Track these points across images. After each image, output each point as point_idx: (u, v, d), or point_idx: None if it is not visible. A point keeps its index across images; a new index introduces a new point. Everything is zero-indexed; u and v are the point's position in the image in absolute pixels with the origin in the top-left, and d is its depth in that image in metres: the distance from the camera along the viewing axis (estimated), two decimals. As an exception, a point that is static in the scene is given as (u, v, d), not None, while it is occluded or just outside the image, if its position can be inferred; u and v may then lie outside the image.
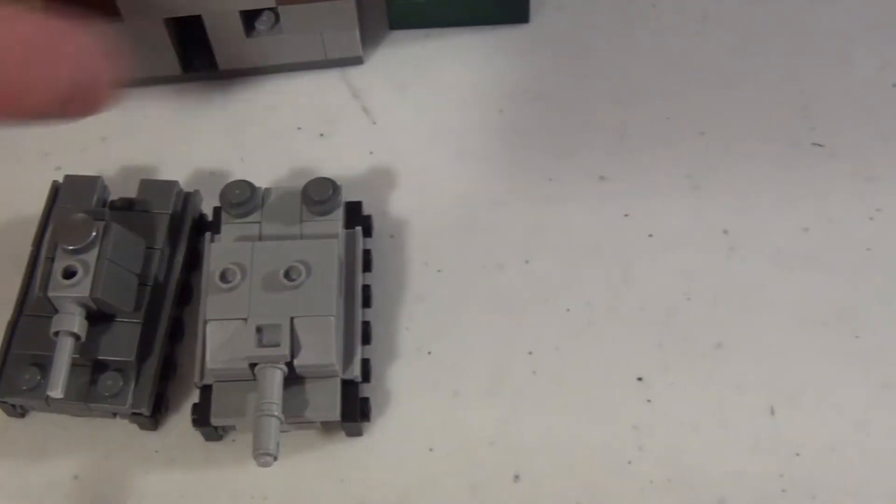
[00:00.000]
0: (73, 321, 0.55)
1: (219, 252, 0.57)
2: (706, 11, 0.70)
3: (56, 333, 0.55)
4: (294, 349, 0.55)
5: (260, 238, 0.59)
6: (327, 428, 0.58)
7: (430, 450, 0.57)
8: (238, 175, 0.65)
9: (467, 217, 0.64)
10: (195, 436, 0.58)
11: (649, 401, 0.58)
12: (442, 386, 0.59)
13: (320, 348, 0.55)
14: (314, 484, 0.57)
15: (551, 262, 0.62)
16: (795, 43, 0.69)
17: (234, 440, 0.58)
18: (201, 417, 0.56)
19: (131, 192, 0.63)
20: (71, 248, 0.56)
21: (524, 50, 0.69)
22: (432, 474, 0.57)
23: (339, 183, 0.60)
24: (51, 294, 0.55)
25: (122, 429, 0.58)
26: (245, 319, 0.55)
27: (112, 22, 0.64)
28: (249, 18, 0.66)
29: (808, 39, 0.69)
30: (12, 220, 0.64)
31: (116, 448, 0.58)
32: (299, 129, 0.67)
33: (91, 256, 0.56)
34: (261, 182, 0.61)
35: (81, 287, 0.55)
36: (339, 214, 0.60)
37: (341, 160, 0.66)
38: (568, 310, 0.61)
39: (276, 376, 0.55)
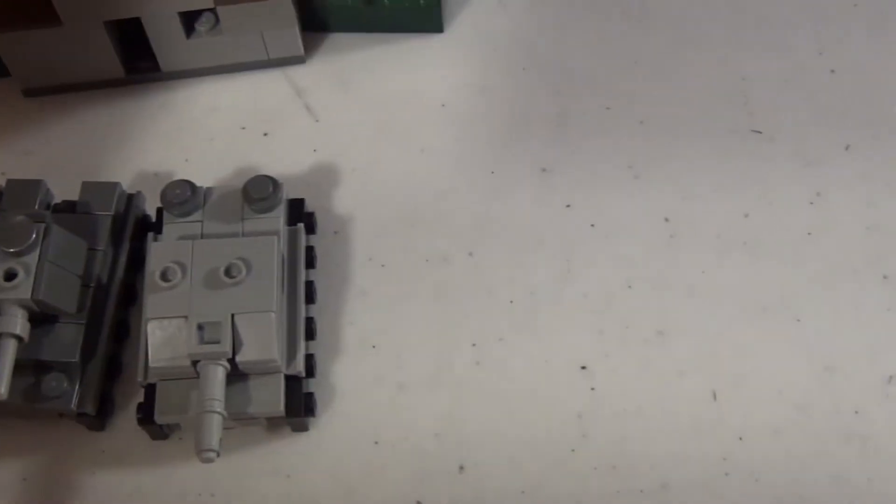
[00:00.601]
0: (14, 323, 0.55)
1: (159, 251, 0.58)
2: (644, 0, 0.70)
3: (-1, 336, 0.55)
4: (235, 346, 0.55)
5: (202, 237, 0.59)
6: (273, 424, 0.58)
7: (376, 443, 0.58)
8: (183, 176, 0.65)
9: (411, 211, 0.64)
10: (142, 435, 0.58)
11: (593, 389, 0.59)
12: (386, 379, 0.59)
13: (261, 344, 0.55)
14: (261, 480, 0.57)
15: (495, 253, 0.62)
16: (734, 30, 0.69)
17: (180, 438, 0.58)
18: (146, 416, 0.56)
19: (75, 195, 0.63)
20: (11, 250, 0.56)
21: (465, 45, 0.69)
22: (378, 467, 0.57)
23: (280, 180, 0.60)
24: (-9, 297, 0.56)
25: (69, 430, 0.59)
26: (186, 317, 0.56)
27: (52, 27, 0.64)
28: (189, 20, 0.66)
29: (746, 26, 0.69)
30: (-43, 226, 0.64)
31: (64, 449, 0.58)
32: (243, 128, 0.67)
33: (32, 258, 0.56)
34: (206, 182, 0.62)
35: (22, 289, 0.55)
36: (281, 211, 0.60)
37: (285, 158, 0.66)
38: (511, 301, 0.61)
39: (217, 373, 0.55)
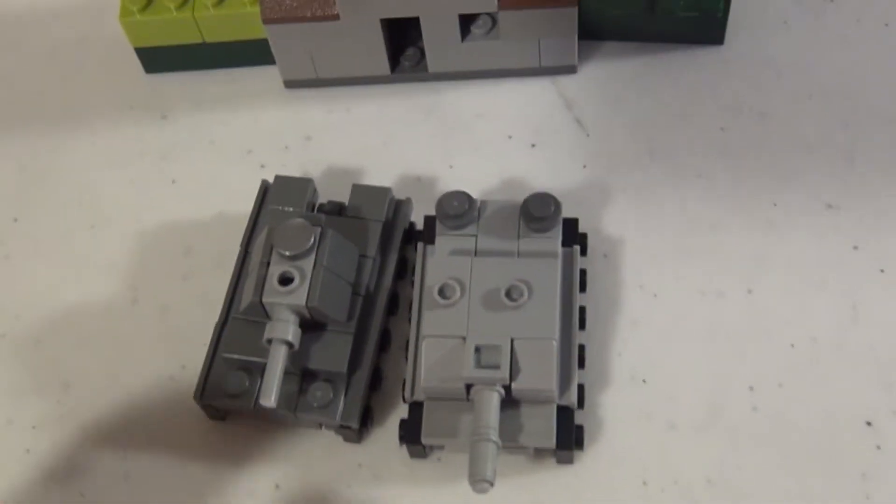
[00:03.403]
0: (287, 329, 0.54)
1: (437, 265, 0.56)
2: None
3: (269, 340, 0.54)
4: (513, 372, 0.53)
5: (475, 252, 0.57)
6: (536, 454, 0.56)
7: (644, 483, 0.55)
8: (446, 182, 0.64)
9: (685, 239, 0.61)
10: (399, 451, 0.56)
11: (879, 447, 0.55)
12: (656, 417, 0.56)
13: (541, 373, 0.53)
14: (522, 511, 0.55)
15: (774, 292, 0.59)
16: None
17: (439, 459, 0.56)
18: (410, 434, 0.55)
19: (337, 195, 0.61)
20: (288, 253, 0.55)
21: (743, 66, 0.66)
22: (646, 510, 0.55)
23: (559, 199, 0.57)
24: (266, 300, 0.54)
25: (325, 439, 0.57)
26: (463, 338, 0.54)
27: (329, 21, 0.62)
28: (466, 22, 0.64)
29: None
30: (215, 217, 0.63)
31: (319, 459, 0.57)
32: (510, 137, 0.65)
33: (307, 263, 0.55)
34: (469, 192, 0.59)
35: (297, 295, 0.54)
36: (558, 232, 0.57)
37: (553, 172, 0.63)
38: (792, 345, 0.58)
39: (493, 399, 0.53)
